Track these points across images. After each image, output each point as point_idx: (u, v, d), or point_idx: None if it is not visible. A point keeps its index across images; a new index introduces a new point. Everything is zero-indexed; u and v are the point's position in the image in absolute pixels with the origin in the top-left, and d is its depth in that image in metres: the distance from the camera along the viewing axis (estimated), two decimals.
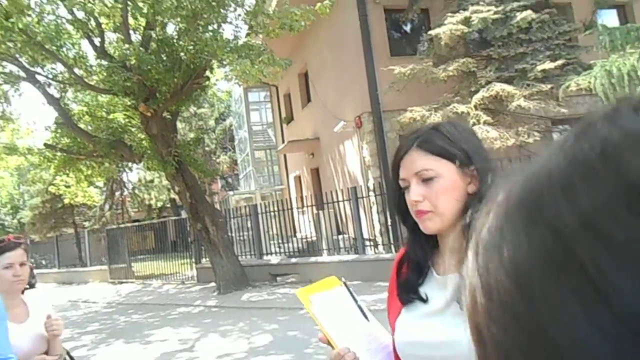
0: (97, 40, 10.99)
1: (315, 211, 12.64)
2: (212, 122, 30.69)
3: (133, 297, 13.24)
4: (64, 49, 10.88)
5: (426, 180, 1.10)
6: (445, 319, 1.06)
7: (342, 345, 1.12)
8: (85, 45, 11.48)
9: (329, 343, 1.13)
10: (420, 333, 1.10)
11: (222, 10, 9.79)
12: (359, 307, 1.24)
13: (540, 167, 0.28)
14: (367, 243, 10.92)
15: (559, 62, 8.30)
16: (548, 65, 8.20)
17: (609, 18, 12.88)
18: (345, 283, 1.25)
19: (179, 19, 9.99)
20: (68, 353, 2.57)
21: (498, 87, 8.33)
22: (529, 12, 8.31)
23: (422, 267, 1.18)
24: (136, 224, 19.23)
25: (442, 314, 1.08)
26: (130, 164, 15.75)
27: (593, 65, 7.10)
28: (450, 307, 1.07)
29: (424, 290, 1.16)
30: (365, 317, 1.23)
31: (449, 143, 1.12)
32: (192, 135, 22.32)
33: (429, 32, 9.47)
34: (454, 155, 1.11)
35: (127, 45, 10.33)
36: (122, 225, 18.56)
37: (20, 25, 9.45)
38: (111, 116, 13.19)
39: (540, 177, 0.28)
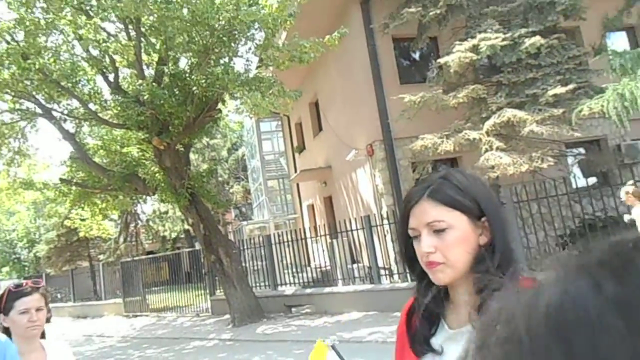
0: (111, 76, 11.22)
1: (329, 240, 12.56)
2: (224, 153, 30.96)
3: (147, 331, 13.15)
4: (79, 86, 11.12)
5: (438, 231, 1.07)
6: None
7: None
8: (99, 81, 11.73)
9: None
10: None
11: (232, 45, 9.97)
12: None
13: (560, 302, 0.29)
14: (382, 272, 10.79)
15: (570, 86, 8.26)
16: (559, 89, 8.16)
17: (619, 40, 12.87)
18: (333, 346, 1.23)
19: (190, 54, 10.18)
20: None
21: (509, 113, 8.29)
22: (538, 37, 8.32)
23: (433, 318, 1.15)
24: (150, 256, 19.26)
25: None
26: (144, 197, 15.89)
27: (605, 89, 7.05)
28: None
29: (436, 342, 1.12)
30: None
31: (460, 193, 1.10)
32: (205, 166, 22.49)
33: (438, 60, 9.52)
34: (465, 206, 1.09)
35: (140, 81, 10.53)
36: (136, 258, 18.59)
37: (37, 65, 9.70)
38: (125, 150, 13.37)
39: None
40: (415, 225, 1.10)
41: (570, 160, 11.56)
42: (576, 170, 11.79)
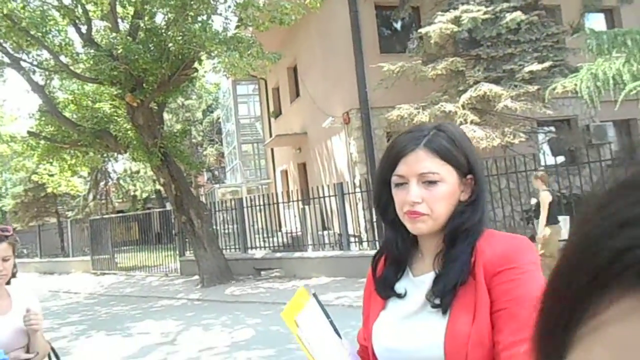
0: (83, 28, 10.84)
1: (301, 206, 12.64)
2: (199, 114, 30.47)
3: (115, 289, 13.14)
4: (50, 36, 10.71)
5: (427, 183, 1.07)
6: (421, 322, 1.07)
7: None
8: (71, 32, 11.32)
9: None
10: (397, 338, 1.10)
11: (211, 2, 9.71)
12: (331, 322, 1.23)
13: None
14: (352, 239, 10.95)
15: (546, 64, 8.36)
16: (535, 66, 8.26)
17: (596, 22, 13.01)
18: (315, 295, 1.23)
19: (167, 9, 9.88)
20: (53, 349, 2.51)
21: (486, 87, 8.37)
22: (519, 13, 8.35)
23: (400, 265, 1.18)
24: (120, 214, 19.06)
25: (418, 314, 1.09)
26: (115, 154, 15.61)
27: (579, 68, 7.16)
28: (427, 307, 1.07)
29: (400, 286, 1.15)
30: (337, 333, 1.22)
31: (454, 147, 1.10)
32: (179, 126, 22.16)
33: (419, 30, 9.49)
34: (458, 161, 1.10)
35: (114, 34, 10.21)
36: (105, 216, 18.37)
37: (5, 11, 9.28)
38: (97, 105, 13.03)
39: None
40: (404, 173, 1.09)
41: (540, 137, 11.79)
42: (546, 148, 12.05)
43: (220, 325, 7.62)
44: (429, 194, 1.07)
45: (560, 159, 11.95)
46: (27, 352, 2.24)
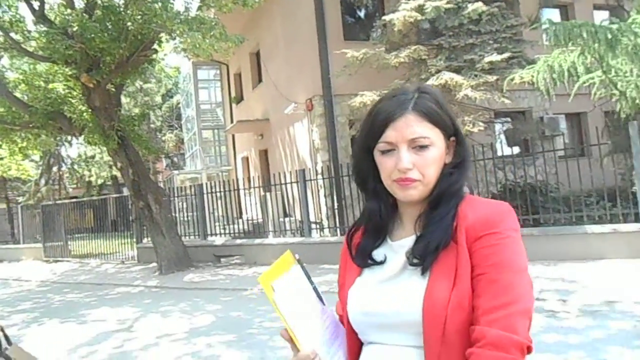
0: (36, 4, 10.34)
1: (262, 193, 12.56)
2: (158, 99, 29.75)
3: (69, 276, 12.74)
4: None
5: (417, 148, 1.05)
6: (400, 284, 1.05)
7: (306, 344, 1.06)
8: (23, 8, 10.78)
9: (290, 340, 1.06)
10: (374, 302, 1.07)
11: None
12: (315, 289, 1.19)
13: None
14: (314, 226, 10.97)
15: (505, 55, 8.56)
16: (495, 57, 8.44)
17: (552, 17, 13.39)
18: (299, 260, 1.18)
19: None
20: (2, 330, 2.38)
21: (447, 76, 8.50)
22: (480, 4, 8.50)
23: (379, 234, 1.16)
24: (74, 200, 18.45)
25: (397, 277, 1.07)
26: (69, 138, 15.10)
27: (536, 60, 7.37)
28: (406, 271, 1.07)
29: (378, 253, 1.14)
30: (321, 299, 1.18)
31: (441, 110, 1.08)
32: (137, 110, 21.56)
33: (383, 18, 9.53)
34: (446, 123, 1.08)
35: (69, 11, 9.80)
36: (59, 202, 17.74)
37: None
38: (50, 86, 12.49)
39: None
40: (393, 139, 1.05)
41: (497, 128, 12.11)
42: (502, 138, 12.39)
43: (179, 312, 7.51)
44: (420, 159, 1.04)
45: (516, 149, 12.31)
46: None
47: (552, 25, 6.07)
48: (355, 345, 1.15)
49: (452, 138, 1.11)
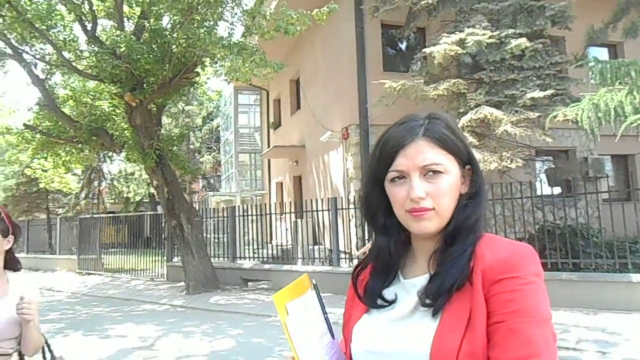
0: (89, 25, 10.80)
1: (293, 219, 12.51)
2: (199, 121, 30.45)
3: (99, 290, 12.91)
4: (55, 30, 10.66)
5: (431, 176, 0.97)
6: (409, 326, 0.96)
7: None
8: (76, 29, 11.28)
9: None
10: (380, 341, 0.98)
11: (219, 7, 9.70)
12: (326, 319, 1.12)
13: None
14: (342, 255, 10.81)
15: (549, 91, 8.33)
16: (537, 93, 8.23)
17: (600, 55, 13.09)
18: (315, 285, 1.12)
19: (174, 11, 9.85)
20: (47, 344, 2.30)
21: (486, 111, 8.33)
22: (524, 39, 8.35)
23: (390, 272, 1.07)
24: (111, 215, 18.86)
25: (408, 319, 0.97)
26: (110, 154, 15.50)
27: (581, 98, 7.13)
28: (417, 312, 0.96)
29: (389, 292, 1.05)
30: (331, 330, 1.11)
31: (454, 136, 1.00)
32: (177, 131, 22.07)
33: (424, 50, 9.48)
34: (459, 149, 1.00)
35: (118, 32, 10.17)
36: (96, 215, 18.16)
37: (12, 1, 9.24)
38: (96, 103, 12.95)
39: None
40: (404, 167, 0.98)
41: (538, 166, 11.75)
42: (542, 177, 12.00)
43: (201, 334, 7.44)
44: (434, 187, 0.96)
45: (557, 189, 11.90)
46: (19, 344, 2.08)
47: (598, 64, 5.87)
48: None
49: (468, 166, 1.02)
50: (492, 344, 0.86)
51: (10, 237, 2.15)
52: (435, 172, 0.97)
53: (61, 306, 10.62)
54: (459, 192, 1.01)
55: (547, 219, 9.12)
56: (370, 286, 1.08)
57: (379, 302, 1.04)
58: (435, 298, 0.93)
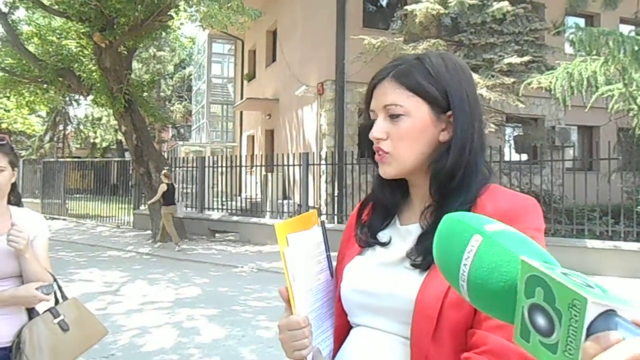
0: None
1: (263, 172, 12.47)
2: (170, 68, 29.56)
3: (63, 234, 12.73)
4: None
5: (393, 117, 0.95)
6: (400, 272, 0.95)
7: (301, 309, 0.97)
8: None
9: (287, 300, 0.98)
10: (370, 281, 0.98)
11: None
12: (328, 256, 1.09)
13: None
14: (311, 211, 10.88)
15: (525, 58, 8.37)
16: (515, 59, 8.25)
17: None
18: (322, 222, 1.09)
19: None
20: (57, 282, 1.98)
21: None
22: (506, 3, 8.29)
23: (388, 214, 1.06)
24: (76, 159, 18.41)
25: (399, 265, 0.97)
26: (77, 97, 15.00)
27: (557, 66, 7.19)
28: (406, 261, 0.96)
29: (384, 234, 1.04)
30: (331, 271, 1.09)
31: (429, 79, 0.95)
32: (147, 77, 21.41)
33: (405, 7, 9.33)
34: (429, 94, 0.95)
35: None
36: (61, 160, 17.69)
37: None
38: (62, 42, 12.38)
39: None
40: (373, 107, 0.98)
41: (508, 132, 11.94)
42: (511, 143, 12.22)
43: (167, 281, 7.47)
44: (394, 129, 0.95)
45: (524, 156, 12.15)
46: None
47: (578, 31, 5.89)
48: (343, 326, 1.06)
49: (449, 113, 0.97)
50: None
51: (16, 170, 2.02)
52: (394, 114, 0.95)
53: None
54: (436, 138, 0.97)
55: (513, 184, 9.34)
56: (369, 224, 1.07)
57: (372, 241, 1.04)
58: (423, 257, 0.91)
